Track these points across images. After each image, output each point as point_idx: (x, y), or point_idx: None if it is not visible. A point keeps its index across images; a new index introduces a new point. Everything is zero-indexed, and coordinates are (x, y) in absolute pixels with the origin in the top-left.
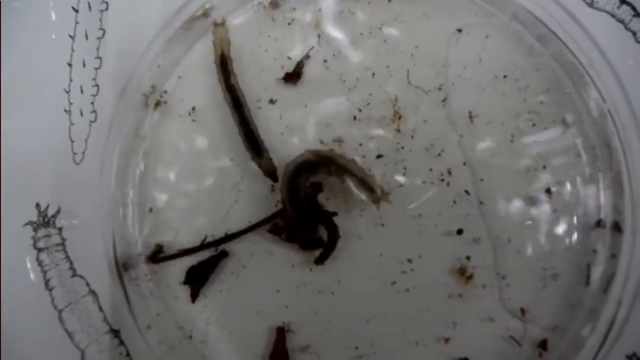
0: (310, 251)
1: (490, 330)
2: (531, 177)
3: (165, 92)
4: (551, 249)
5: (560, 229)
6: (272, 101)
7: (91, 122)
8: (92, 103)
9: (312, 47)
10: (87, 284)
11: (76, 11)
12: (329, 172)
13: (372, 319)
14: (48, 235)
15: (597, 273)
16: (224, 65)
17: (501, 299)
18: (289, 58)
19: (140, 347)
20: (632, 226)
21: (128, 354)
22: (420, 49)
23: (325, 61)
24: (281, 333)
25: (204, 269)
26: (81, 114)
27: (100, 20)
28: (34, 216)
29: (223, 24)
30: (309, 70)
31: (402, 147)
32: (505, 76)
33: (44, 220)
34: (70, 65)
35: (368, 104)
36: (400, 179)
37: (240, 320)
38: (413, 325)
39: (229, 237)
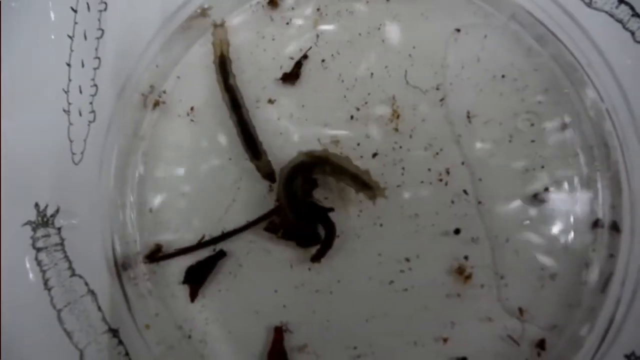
0: (307, 248)
1: (489, 329)
2: (529, 177)
3: (164, 92)
4: (549, 248)
5: (559, 228)
6: (270, 101)
7: (90, 122)
8: (91, 103)
9: (311, 47)
10: (86, 284)
11: (75, 11)
12: (324, 171)
13: (371, 319)
14: (47, 235)
15: (595, 273)
16: (223, 66)
17: (499, 298)
18: (291, 58)
19: (139, 347)
20: (630, 226)
21: (127, 354)
22: (419, 48)
23: (323, 61)
24: (279, 333)
25: (202, 269)
26: (80, 114)
27: (99, 20)
28: (33, 216)
29: (222, 25)
30: (307, 70)
31: (400, 147)
32: (503, 76)
33: (43, 220)
34: (69, 65)
35: (366, 103)
36: (399, 178)
37: (238, 320)
38: (411, 325)
39: (226, 236)
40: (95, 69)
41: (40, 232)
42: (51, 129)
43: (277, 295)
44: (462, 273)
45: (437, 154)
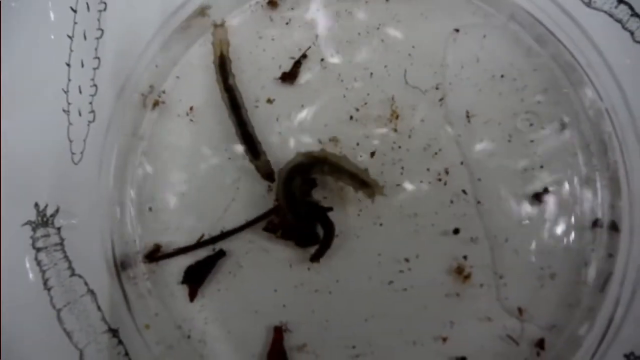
0: (306, 248)
1: (488, 329)
2: (528, 176)
3: (164, 92)
4: (548, 248)
5: (558, 228)
6: (269, 101)
7: (89, 122)
8: (91, 103)
9: (310, 47)
10: (86, 284)
11: (74, 11)
12: (322, 171)
13: (370, 318)
14: (47, 235)
15: (594, 272)
16: (223, 66)
17: (499, 298)
18: (291, 58)
19: (139, 347)
20: (629, 225)
21: (126, 354)
22: (418, 48)
23: (322, 60)
24: (279, 332)
25: (201, 269)
26: (79, 114)
27: (99, 20)
28: (32, 216)
29: (222, 25)
30: (306, 70)
31: (400, 147)
32: (502, 76)
33: (43, 220)
34: (68, 65)
35: (365, 103)
36: (398, 178)
37: (238, 320)
38: (410, 325)
39: (225, 235)
40: (94, 68)
41: (40, 232)
42: (51, 129)
43: (276, 294)
44: (461, 273)
45: (436, 153)
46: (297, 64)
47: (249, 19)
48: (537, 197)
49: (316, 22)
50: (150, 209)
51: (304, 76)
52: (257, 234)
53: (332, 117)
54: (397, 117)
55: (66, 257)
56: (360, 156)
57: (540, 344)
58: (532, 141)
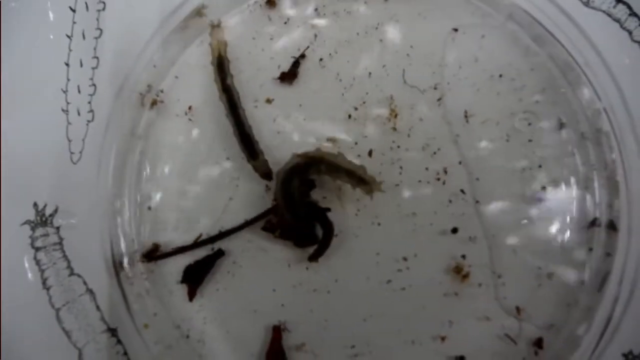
0: (305, 248)
1: (486, 328)
2: (527, 176)
3: (162, 91)
4: (547, 247)
5: (556, 227)
6: (268, 100)
7: (88, 121)
8: (90, 102)
9: (308, 47)
10: (85, 283)
11: (73, 11)
12: (320, 171)
13: (368, 318)
14: (46, 235)
15: (592, 272)
16: (221, 67)
17: (497, 297)
18: (291, 57)
19: (138, 346)
20: (627, 225)
21: (125, 353)
22: (416, 48)
23: (321, 60)
24: (277, 332)
25: (200, 268)
26: (78, 114)
27: (98, 20)
28: (31, 215)
29: (219, 25)
30: (305, 70)
31: (398, 146)
32: (501, 76)
33: (42, 220)
34: (67, 65)
35: (364, 103)
36: (396, 178)
37: (236, 319)
38: (409, 324)
39: (223, 235)
40: (93, 68)
41: (39, 231)
42: (50, 129)
43: (275, 294)
44: (459, 272)
45: (434, 153)
46: (296, 64)
47: (248, 18)
48: (535, 197)
49: (315, 21)
50: (149, 208)
51: (303, 76)
52: (255, 233)
53: (331, 117)
54: (395, 117)
55: (65, 256)
56: (359, 156)
57: (539, 343)
58: (530, 141)
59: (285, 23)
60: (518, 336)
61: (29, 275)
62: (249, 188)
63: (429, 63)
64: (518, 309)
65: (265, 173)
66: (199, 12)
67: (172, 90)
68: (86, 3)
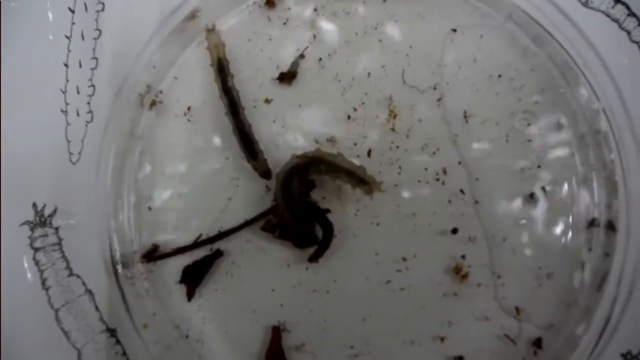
0: (304, 249)
1: (486, 329)
2: (526, 176)
3: (161, 92)
4: (546, 247)
5: (555, 228)
6: (267, 101)
7: (87, 122)
8: (89, 103)
9: (307, 47)
10: (84, 284)
11: (72, 12)
12: (320, 171)
13: (368, 318)
14: (45, 235)
15: (591, 272)
16: (221, 68)
17: (496, 297)
18: (290, 58)
19: (137, 347)
20: (626, 225)
21: (124, 353)
22: (415, 48)
23: (320, 60)
24: (277, 332)
25: (199, 268)
26: (77, 114)
27: (97, 20)
28: (30, 216)
29: (213, 29)
30: (304, 70)
31: (397, 147)
32: (500, 76)
33: (41, 220)
34: (66, 65)
35: (363, 103)
36: (396, 178)
37: (236, 320)
38: (408, 324)
39: (223, 235)
40: (92, 69)
41: (38, 232)
42: (49, 129)
43: (274, 294)
44: (459, 272)
45: (434, 153)
46: (295, 64)
47: (247, 18)
48: (535, 197)
49: (314, 22)
50: (149, 208)
51: (302, 76)
52: (255, 233)
53: (330, 117)
54: (395, 117)
55: (64, 256)
56: (358, 156)
57: (538, 343)
58: (529, 141)
59: (285, 23)
60: (517, 336)
61: (28, 275)
62: (249, 188)
63: (428, 63)
64: (517, 309)
65: (264, 172)
66: (192, 16)
67: (172, 90)
68: (85, 4)
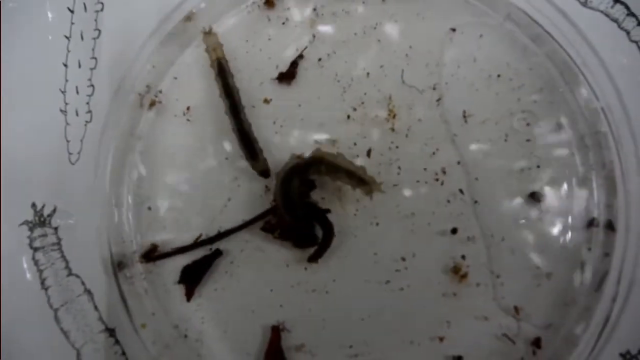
0: (304, 249)
1: (485, 328)
2: (525, 176)
3: (160, 91)
4: (545, 247)
5: (554, 227)
6: (266, 101)
7: (87, 122)
8: (88, 103)
9: (307, 47)
10: (83, 283)
11: (72, 12)
12: (320, 171)
13: (367, 318)
14: (44, 235)
15: (590, 271)
16: (221, 69)
17: (495, 297)
18: (289, 58)
19: (136, 346)
20: (625, 225)
21: (123, 353)
22: (415, 48)
23: (319, 60)
24: (276, 332)
25: (198, 268)
26: (77, 114)
27: (96, 20)
28: (30, 216)
29: (210, 31)
30: (303, 70)
31: (397, 147)
32: (499, 75)
33: (40, 220)
34: (65, 65)
35: (362, 103)
36: (395, 178)
37: (235, 319)
38: (407, 324)
39: (222, 235)
40: (91, 69)
41: (37, 231)
42: (48, 129)
43: (273, 294)
44: (458, 272)
45: (433, 153)
46: (294, 64)
47: (246, 18)
48: (534, 197)
49: (313, 22)
50: (148, 208)
51: (301, 76)
52: (254, 233)
53: (329, 117)
54: (394, 117)
55: (63, 256)
56: (357, 156)
57: (537, 342)
58: (528, 140)
59: (284, 23)
60: (516, 336)
61: (28, 275)
62: (248, 188)
63: (427, 63)
64: (516, 309)
65: (263, 170)
66: (187, 18)
67: (171, 90)
68: (84, 4)
